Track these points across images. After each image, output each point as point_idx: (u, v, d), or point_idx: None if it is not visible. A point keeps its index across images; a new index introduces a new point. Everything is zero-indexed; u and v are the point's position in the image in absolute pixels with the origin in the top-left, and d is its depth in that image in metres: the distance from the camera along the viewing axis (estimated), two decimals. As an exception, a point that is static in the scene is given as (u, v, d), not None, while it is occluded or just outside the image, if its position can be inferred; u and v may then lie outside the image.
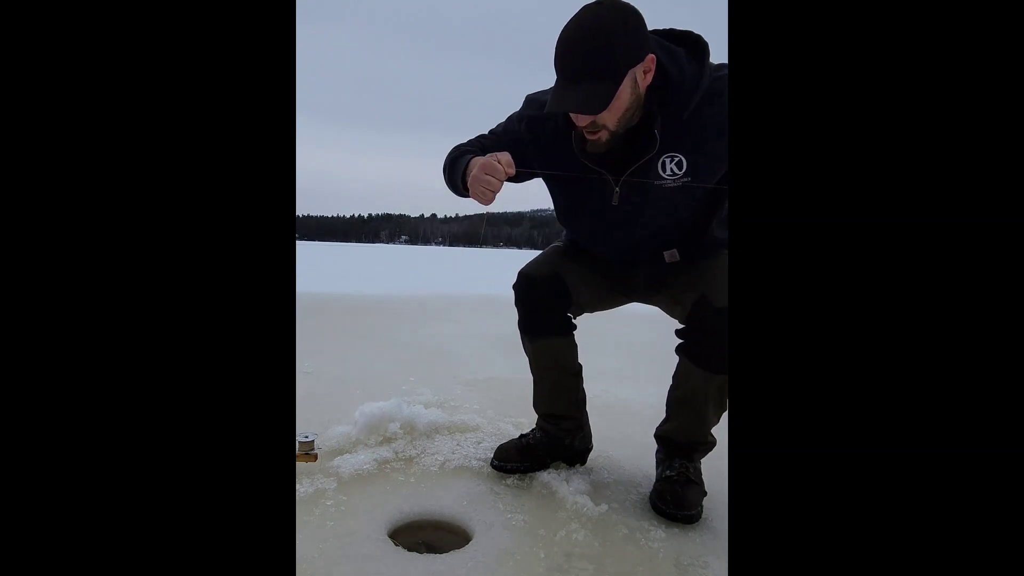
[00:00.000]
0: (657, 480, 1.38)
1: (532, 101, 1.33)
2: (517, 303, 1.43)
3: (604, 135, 1.15)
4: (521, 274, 1.41)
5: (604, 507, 1.29)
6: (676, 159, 1.18)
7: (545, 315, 1.41)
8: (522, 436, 1.54)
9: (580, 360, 1.48)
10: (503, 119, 1.40)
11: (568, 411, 1.50)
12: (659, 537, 1.20)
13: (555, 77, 1.14)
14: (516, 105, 1.37)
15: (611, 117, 1.12)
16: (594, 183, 1.24)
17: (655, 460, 1.46)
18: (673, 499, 1.28)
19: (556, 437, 1.49)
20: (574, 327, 1.45)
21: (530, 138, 1.30)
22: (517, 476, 1.43)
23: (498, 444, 1.50)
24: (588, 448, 1.55)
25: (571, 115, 1.15)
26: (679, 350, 1.34)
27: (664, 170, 1.19)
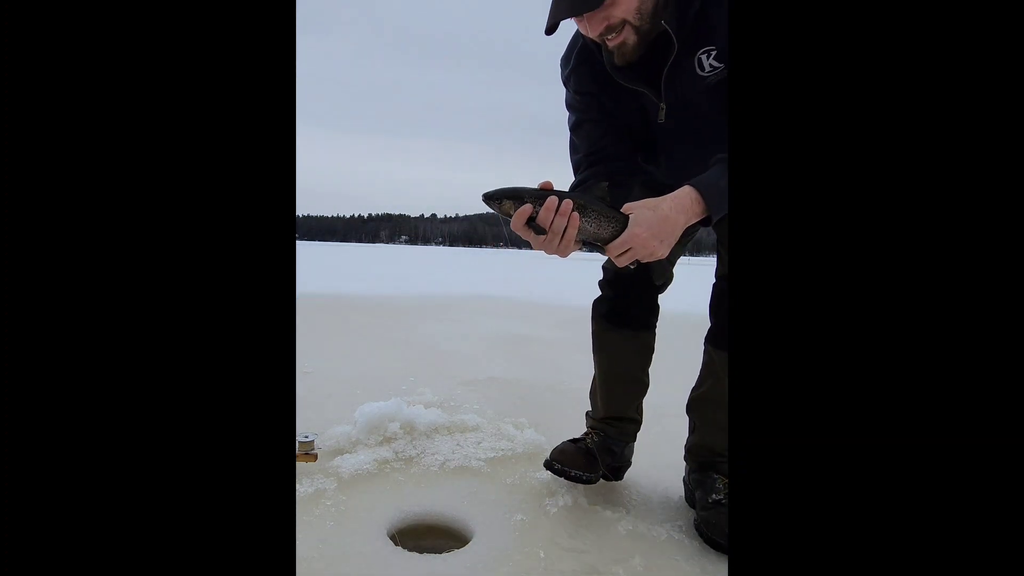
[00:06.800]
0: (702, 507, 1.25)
1: (565, 60, 1.21)
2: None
3: (629, 37, 1.02)
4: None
5: (604, 506, 1.30)
6: (713, 52, 1.03)
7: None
8: (580, 440, 1.42)
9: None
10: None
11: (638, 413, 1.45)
12: (660, 535, 1.20)
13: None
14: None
15: (624, 7, 0.99)
16: (636, 110, 1.15)
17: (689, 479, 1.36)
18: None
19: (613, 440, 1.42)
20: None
21: (596, 90, 1.17)
22: (517, 476, 1.43)
23: (497, 444, 1.50)
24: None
25: (584, 29, 1.03)
26: (707, 339, 1.25)
27: (703, 67, 1.05)
